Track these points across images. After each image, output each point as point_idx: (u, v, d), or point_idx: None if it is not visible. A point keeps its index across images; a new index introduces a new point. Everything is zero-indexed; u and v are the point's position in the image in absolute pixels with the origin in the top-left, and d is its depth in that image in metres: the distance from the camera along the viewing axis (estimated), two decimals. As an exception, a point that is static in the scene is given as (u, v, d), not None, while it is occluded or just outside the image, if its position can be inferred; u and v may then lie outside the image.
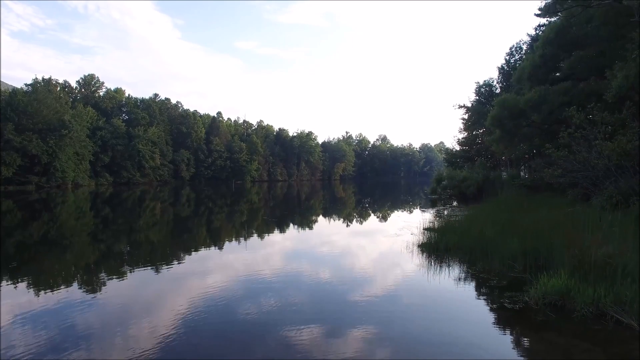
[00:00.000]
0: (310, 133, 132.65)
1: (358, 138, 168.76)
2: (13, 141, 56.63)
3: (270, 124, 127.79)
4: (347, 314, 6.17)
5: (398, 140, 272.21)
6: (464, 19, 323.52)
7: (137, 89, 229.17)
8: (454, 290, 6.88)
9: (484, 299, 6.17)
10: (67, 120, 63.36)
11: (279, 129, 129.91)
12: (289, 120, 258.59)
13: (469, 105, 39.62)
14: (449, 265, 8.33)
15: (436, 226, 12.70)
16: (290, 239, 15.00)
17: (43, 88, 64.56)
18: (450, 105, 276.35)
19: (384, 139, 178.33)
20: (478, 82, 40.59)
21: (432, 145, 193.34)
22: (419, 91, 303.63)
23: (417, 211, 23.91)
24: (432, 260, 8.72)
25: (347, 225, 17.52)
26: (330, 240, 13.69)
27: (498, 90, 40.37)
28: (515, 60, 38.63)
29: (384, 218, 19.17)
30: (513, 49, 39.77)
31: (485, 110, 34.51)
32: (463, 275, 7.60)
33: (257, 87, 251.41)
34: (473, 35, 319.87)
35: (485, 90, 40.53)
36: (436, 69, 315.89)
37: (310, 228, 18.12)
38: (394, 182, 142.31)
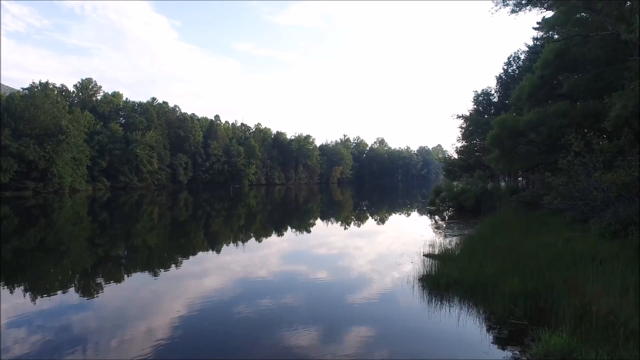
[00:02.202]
0: (308, 136, 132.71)
1: (356, 141, 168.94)
2: (10, 147, 56.43)
3: (268, 127, 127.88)
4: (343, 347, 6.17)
5: (396, 143, 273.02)
6: (463, 19, 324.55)
7: (134, 90, 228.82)
8: (453, 338, 6.89)
9: (484, 353, 6.17)
10: (65, 125, 63.19)
11: (277, 132, 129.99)
12: (286, 122, 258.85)
13: (467, 114, 39.80)
14: (449, 304, 8.33)
15: (436, 252, 12.72)
16: (284, 254, 14.98)
17: (40, 93, 64.38)
18: (448, 107, 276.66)
19: (381, 141, 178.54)
20: (476, 91, 40.79)
21: (430, 148, 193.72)
22: (417, 94, 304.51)
23: (416, 225, 23.93)
24: (433, 297, 8.73)
25: (344, 246, 17.44)
26: (326, 265, 13.68)
27: (496, 99, 40.60)
28: (513, 70, 38.85)
29: (382, 236, 19.18)
30: (511, 59, 40.04)
31: (483, 120, 34.65)
32: (463, 318, 7.61)
33: (254, 88, 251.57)
34: (471, 36, 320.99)
35: (484, 99, 40.72)
36: (434, 71, 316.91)
37: (305, 245, 18.09)
38: (392, 186, 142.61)
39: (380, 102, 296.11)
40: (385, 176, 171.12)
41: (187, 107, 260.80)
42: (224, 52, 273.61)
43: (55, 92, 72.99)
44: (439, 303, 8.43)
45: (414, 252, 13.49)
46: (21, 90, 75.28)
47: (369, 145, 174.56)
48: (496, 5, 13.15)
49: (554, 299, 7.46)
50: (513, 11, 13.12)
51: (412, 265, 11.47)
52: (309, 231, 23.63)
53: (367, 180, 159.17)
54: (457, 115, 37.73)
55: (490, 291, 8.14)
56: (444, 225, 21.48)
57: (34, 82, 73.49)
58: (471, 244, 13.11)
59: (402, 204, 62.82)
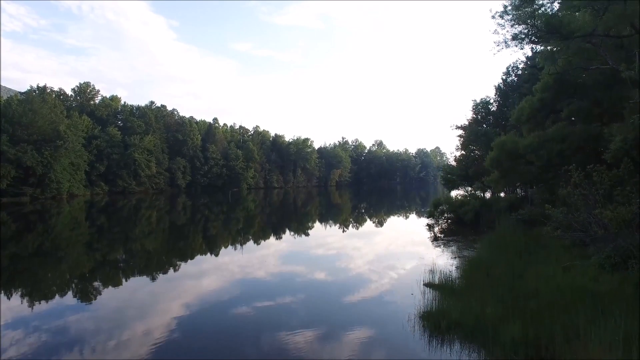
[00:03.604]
0: (306, 139, 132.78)
1: (354, 143, 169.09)
2: (7, 153, 56.18)
3: (266, 129, 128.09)
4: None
5: (394, 145, 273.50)
6: (462, 20, 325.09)
7: (132, 91, 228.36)
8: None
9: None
10: (63, 130, 62.99)
11: (275, 134, 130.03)
12: (285, 124, 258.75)
13: (466, 123, 39.94)
14: (450, 348, 8.32)
15: (436, 280, 12.72)
16: (281, 262, 14.88)
17: (38, 98, 64.10)
18: (447, 109, 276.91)
19: (380, 144, 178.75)
20: (475, 100, 40.98)
21: (428, 150, 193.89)
22: (415, 96, 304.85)
23: (415, 240, 23.92)
24: (434, 339, 8.71)
25: (338, 272, 17.29)
26: (321, 286, 13.64)
27: (494, 108, 40.74)
28: (512, 81, 39.00)
29: (381, 258, 19.04)
30: (509, 69, 40.22)
31: (482, 131, 34.76)
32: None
33: (253, 89, 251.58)
34: (471, 37, 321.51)
35: (483, 107, 40.86)
36: (433, 73, 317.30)
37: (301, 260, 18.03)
38: (390, 189, 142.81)
39: (378, 104, 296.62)
40: (384, 179, 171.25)
41: (186, 107, 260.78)
42: (222, 53, 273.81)
43: (54, 96, 72.75)
44: (440, 346, 8.42)
45: (414, 279, 13.45)
46: (19, 94, 75.12)
47: (367, 148, 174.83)
48: (498, 46, 13.11)
49: (555, 347, 7.44)
50: (516, 45, 13.12)
51: (413, 299, 11.44)
52: (303, 246, 23.58)
53: (365, 183, 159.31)
54: (456, 125, 37.87)
55: (490, 336, 8.11)
56: (443, 244, 21.44)
57: (31, 86, 73.47)
58: (471, 272, 13.11)
59: (401, 208, 62.97)
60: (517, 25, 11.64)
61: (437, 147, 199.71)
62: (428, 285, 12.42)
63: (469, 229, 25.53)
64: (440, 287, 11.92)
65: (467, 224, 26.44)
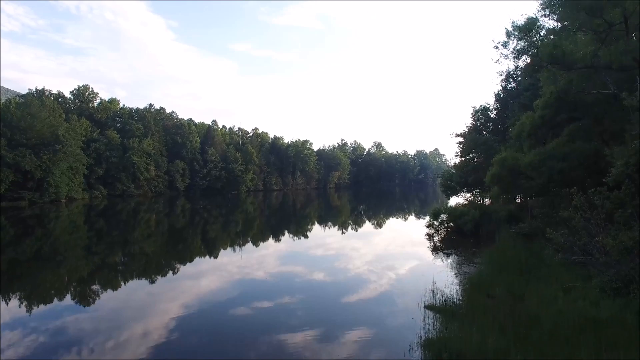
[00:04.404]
0: (305, 141, 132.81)
1: (353, 145, 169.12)
2: (6, 157, 56.07)
3: (265, 131, 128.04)
4: None
5: (393, 147, 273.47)
6: (461, 21, 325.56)
7: (131, 91, 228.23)
8: None
9: None
10: (61, 134, 62.89)
11: (274, 136, 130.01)
12: (284, 125, 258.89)
13: (466, 130, 40.05)
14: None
15: (437, 301, 12.69)
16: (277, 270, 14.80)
17: (37, 101, 63.93)
18: (446, 111, 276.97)
19: (378, 145, 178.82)
20: (474, 107, 41.10)
21: (427, 152, 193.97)
22: (414, 97, 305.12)
23: (415, 252, 23.89)
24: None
25: (338, 289, 17.14)
26: (319, 314, 13.58)
27: (494, 115, 40.84)
28: (512, 88, 39.06)
29: (381, 274, 18.91)
30: (509, 75, 40.27)
31: (482, 140, 34.82)
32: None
33: (252, 90, 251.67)
34: (470, 39, 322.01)
35: (482, 113, 40.95)
36: (432, 75, 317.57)
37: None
38: (389, 191, 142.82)
39: (377, 105, 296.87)
40: (383, 180, 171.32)
41: (185, 107, 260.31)
42: (222, 53, 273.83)
43: (52, 99, 72.61)
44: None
45: (415, 300, 13.40)
46: (17, 96, 74.97)
47: (366, 150, 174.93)
48: (500, 75, 13.06)
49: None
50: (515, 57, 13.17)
51: (413, 323, 11.40)
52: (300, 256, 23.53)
53: (364, 185, 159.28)
54: (456, 133, 37.97)
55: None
56: (443, 257, 21.42)
57: (30, 89, 73.29)
58: (471, 292, 13.12)
59: (400, 210, 63.02)
60: (520, 56, 11.69)
61: (436, 149, 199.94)
62: (429, 307, 12.39)
63: (468, 239, 25.52)
64: (441, 310, 11.88)
65: (467, 234, 26.45)
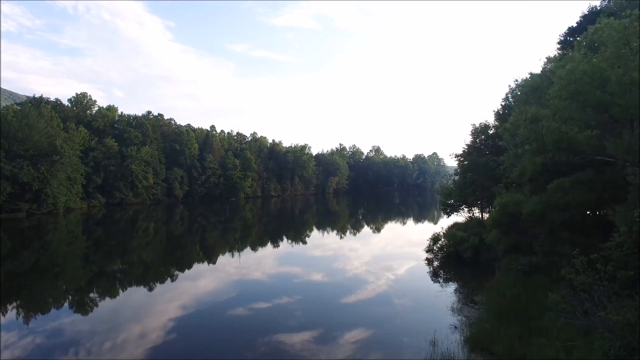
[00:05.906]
0: (304, 147, 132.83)
1: (352, 149, 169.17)
2: (3, 169, 55.77)
3: (264, 135, 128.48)
4: None
5: (391, 151, 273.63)
6: (461, 22, 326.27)
7: (128, 91, 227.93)
8: None
9: None
10: (59, 145, 62.60)
11: (273, 141, 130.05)
12: (282, 128, 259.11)
13: (465, 148, 40.16)
14: None
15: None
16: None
17: (34, 112, 63.57)
18: (445, 114, 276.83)
19: (377, 150, 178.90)
20: (474, 124, 41.19)
21: (426, 156, 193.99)
22: (413, 100, 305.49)
23: (415, 283, 23.85)
24: None
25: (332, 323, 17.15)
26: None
27: (492, 131, 40.89)
28: (511, 105, 39.09)
29: (379, 314, 18.89)
30: (508, 94, 40.30)
31: (482, 162, 34.86)
32: None
33: (250, 90, 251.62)
34: (469, 41, 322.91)
35: (482, 131, 41.00)
36: (431, 78, 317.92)
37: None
38: (388, 195, 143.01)
39: (376, 109, 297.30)
40: (381, 185, 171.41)
41: (183, 108, 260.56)
42: (219, 53, 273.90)
43: (50, 108, 72.18)
44: None
45: (417, 356, 13.34)
46: (15, 104, 74.61)
47: (365, 154, 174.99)
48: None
49: None
50: None
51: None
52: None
53: (363, 189, 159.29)
54: (455, 154, 38.10)
55: None
56: (441, 290, 21.37)
57: (27, 97, 72.95)
58: (472, 342, 13.23)
59: (399, 215, 63.08)
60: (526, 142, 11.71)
61: (435, 153, 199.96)
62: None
63: (468, 268, 25.54)
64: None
65: (466, 262, 26.46)
